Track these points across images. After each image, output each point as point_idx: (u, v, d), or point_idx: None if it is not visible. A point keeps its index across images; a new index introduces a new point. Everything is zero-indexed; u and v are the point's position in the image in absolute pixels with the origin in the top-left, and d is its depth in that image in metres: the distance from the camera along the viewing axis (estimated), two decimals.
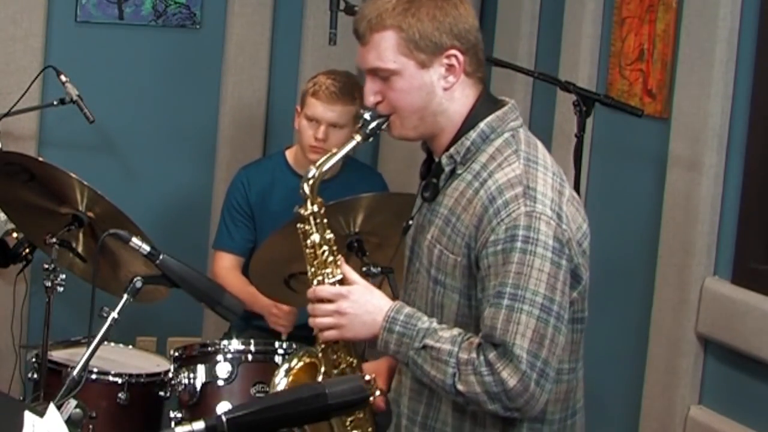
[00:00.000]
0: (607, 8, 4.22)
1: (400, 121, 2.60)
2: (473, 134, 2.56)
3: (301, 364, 2.78)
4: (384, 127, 2.61)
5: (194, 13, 4.84)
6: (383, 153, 4.91)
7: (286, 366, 2.80)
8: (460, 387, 2.46)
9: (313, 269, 2.68)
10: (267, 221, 4.04)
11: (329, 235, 2.68)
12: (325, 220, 2.69)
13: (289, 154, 4.18)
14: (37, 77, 4.39)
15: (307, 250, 2.68)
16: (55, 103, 4.25)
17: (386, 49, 2.54)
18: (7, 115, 4.25)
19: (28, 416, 2.00)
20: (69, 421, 2.82)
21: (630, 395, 4.03)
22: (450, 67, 2.56)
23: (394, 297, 3.41)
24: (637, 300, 4.02)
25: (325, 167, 2.64)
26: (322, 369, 2.68)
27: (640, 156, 4.07)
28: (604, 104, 3.65)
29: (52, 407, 2.04)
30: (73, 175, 3.50)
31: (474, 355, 2.45)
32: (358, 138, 2.62)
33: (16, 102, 4.30)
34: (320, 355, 2.71)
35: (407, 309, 2.56)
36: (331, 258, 2.67)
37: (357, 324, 2.58)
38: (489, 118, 2.57)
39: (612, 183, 4.19)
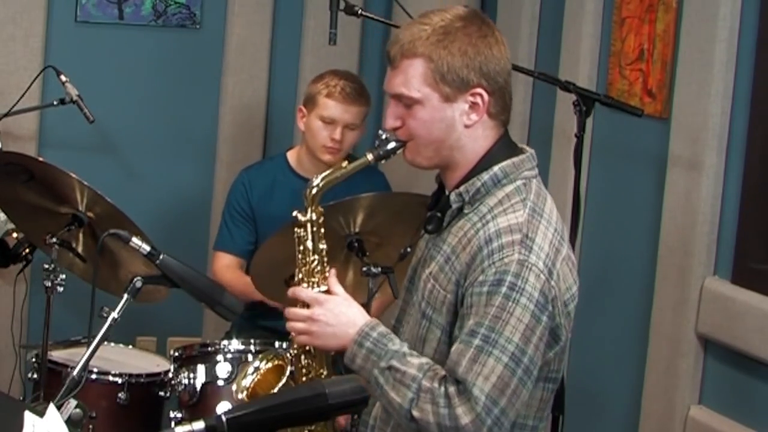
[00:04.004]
0: (607, 8, 4.23)
1: (416, 149, 2.59)
2: (486, 176, 2.54)
3: (270, 365, 2.79)
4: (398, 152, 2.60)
5: (194, 13, 4.84)
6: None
7: (256, 364, 2.80)
8: (415, 413, 2.44)
9: (300, 275, 2.69)
10: (268, 223, 4.04)
11: (323, 246, 2.69)
12: (322, 230, 2.70)
13: (291, 156, 4.18)
14: (37, 77, 4.39)
15: (299, 255, 2.70)
16: (55, 103, 4.25)
17: (413, 76, 2.53)
18: (7, 115, 4.25)
19: (28, 416, 2.00)
20: (69, 421, 2.81)
21: (630, 395, 4.03)
22: (474, 105, 2.54)
23: (394, 297, 3.44)
24: (637, 300, 4.02)
25: (331, 179, 2.64)
26: (288, 371, 2.68)
27: (640, 156, 4.07)
28: (604, 104, 3.65)
29: (52, 407, 2.04)
30: (73, 175, 3.50)
31: (436, 384, 2.44)
32: (370, 157, 2.61)
33: (16, 102, 4.29)
34: (291, 359, 2.71)
35: (382, 328, 2.56)
36: (319, 268, 2.68)
37: (328, 333, 2.58)
38: (504, 163, 2.55)
39: (612, 183, 4.19)
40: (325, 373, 2.71)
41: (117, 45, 4.77)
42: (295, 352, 2.71)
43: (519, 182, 2.55)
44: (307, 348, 2.70)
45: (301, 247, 2.69)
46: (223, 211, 4.24)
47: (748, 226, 3.66)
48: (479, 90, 2.53)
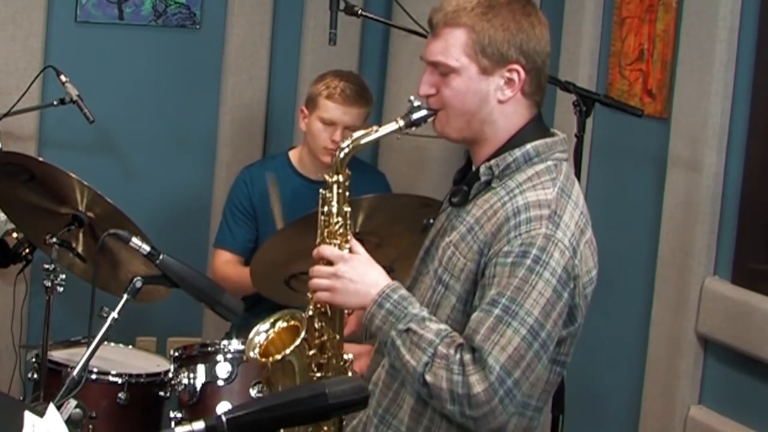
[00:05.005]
0: (607, 8, 4.23)
1: (446, 119, 2.59)
2: (518, 152, 2.55)
3: (285, 325, 2.77)
4: (429, 120, 2.60)
5: (194, 13, 4.84)
6: (384, 153, 4.91)
7: (272, 320, 2.77)
8: (428, 377, 2.45)
9: (322, 236, 2.67)
10: (269, 222, 4.04)
11: (347, 209, 2.68)
12: (347, 193, 2.68)
13: (293, 155, 4.18)
14: (37, 77, 4.38)
15: (322, 217, 2.68)
16: (55, 103, 4.25)
17: (453, 45, 2.54)
18: (7, 115, 4.25)
19: (28, 416, 2.00)
20: (69, 421, 2.82)
21: (630, 395, 4.03)
22: (509, 81, 2.55)
23: None
24: (637, 300, 4.02)
25: (363, 142, 2.63)
26: (303, 333, 2.67)
27: (640, 156, 4.07)
28: (604, 104, 3.65)
29: (52, 407, 2.04)
30: (73, 175, 3.50)
31: (452, 351, 2.45)
32: (400, 123, 2.60)
33: (16, 102, 4.29)
34: (306, 319, 2.70)
35: (403, 291, 2.57)
36: (341, 231, 2.66)
37: (350, 291, 2.58)
38: (537, 142, 2.57)
39: (612, 183, 4.19)
40: (338, 337, 2.70)
41: (117, 45, 4.77)
42: (311, 313, 2.69)
43: (550, 162, 2.57)
44: (323, 310, 2.69)
45: (326, 208, 2.67)
46: (224, 208, 4.23)
47: (748, 226, 3.66)
48: (516, 66, 2.54)
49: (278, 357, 2.65)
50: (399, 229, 3.59)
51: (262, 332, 2.75)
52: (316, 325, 2.70)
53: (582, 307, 2.55)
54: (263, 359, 2.70)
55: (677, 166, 3.84)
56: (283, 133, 4.92)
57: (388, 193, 4.14)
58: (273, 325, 2.76)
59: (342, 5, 3.88)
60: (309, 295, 2.67)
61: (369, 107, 4.04)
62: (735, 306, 3.63)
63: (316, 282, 2.62)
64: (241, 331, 4.05)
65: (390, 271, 3.47)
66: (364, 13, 3.91)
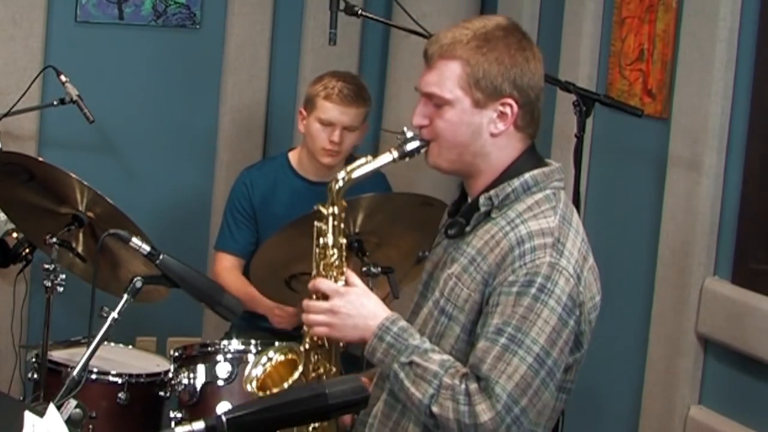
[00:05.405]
0: (607, 8, 4.23)
1: (438, 151, 2.60)
2: (516, 182, 2.56)
3: (282, 358, 2.77)
4: (422, 152, 2.62)
5: (194, 13, 4.84)
6: (383, 152, 4.90)
7: (270, 354, 2.78)
8: (434, 408, 2.46)
9: (318, 269, 2.68)
10: (270, 223, 4.04)
11: (342, 240, 2.69)
12: (342, 225, 2.69)
13: (293, 157, 4.18)
14: (37, 77, 4.39)
15: (317, 249, 2.69)
16: (55, 103, 4.25)
17: (448, 78, 2.55)
18: (7, 115, 4.25)
19: (28, 416, 2.00)
20: (69, 421, 2.82)
21: (630, 395, 4.03)
22: (502, 115, 2.56)
23: (394, 297, 3.44)
24: (637, 300, 4.02)
25: (357, 174, 2.65)
26: (300, 367, 2.67)
27: (640, 156, 4.07)
28: (604, 104, 3.65)
29: (52, 407, 2.04)
30: (73, 175, 3.50)
31: (457, 381, 2.45)
32: (395, 154, 2.63)
33: (16, 102, 4.30)
34: (302, 353, 2.70)
35: (402, 322, 2.57)
36: (338, 263, 2.67)
37: (348, 325, 2.58)
38: (535, 172, 2.57)
39: (612, 183, 4.19)
40: (334, 370, 2.71)
41: (117, 45, 4.77)
42: (308, 347, 2.70)
43: (548, 191, 2.57)
44: (320, 343, 2.69)
45: (320, 241, 2.68)
46: (224, 211, 4.23)
47: (748, 226, 3.66)
48: (509, 100, 2.55)
49: (275, 391, 2.65)
50: (399, 229, 3.59)
51: (260, 365, 2.76)
52: (312, 358, 2.71)
53: (587, 333, 2.57)
54: (261, 393, 2.70)
55: (677, 166, 3.84)
56: (283, 134, 4.92)
57: (387, 192, 4.13)
58: (270, 358, 2.77)
59: (342, 5, 3.88)
60: (305, 328, 2.67)
61: (367, 107, 4.04)
62: (735, 306, 3.62)
63: (312, 318, 2.62)
64: (241, 331, 4.05)
65: (390, 271, 3.49)
66: (364, 13, 3.91)
